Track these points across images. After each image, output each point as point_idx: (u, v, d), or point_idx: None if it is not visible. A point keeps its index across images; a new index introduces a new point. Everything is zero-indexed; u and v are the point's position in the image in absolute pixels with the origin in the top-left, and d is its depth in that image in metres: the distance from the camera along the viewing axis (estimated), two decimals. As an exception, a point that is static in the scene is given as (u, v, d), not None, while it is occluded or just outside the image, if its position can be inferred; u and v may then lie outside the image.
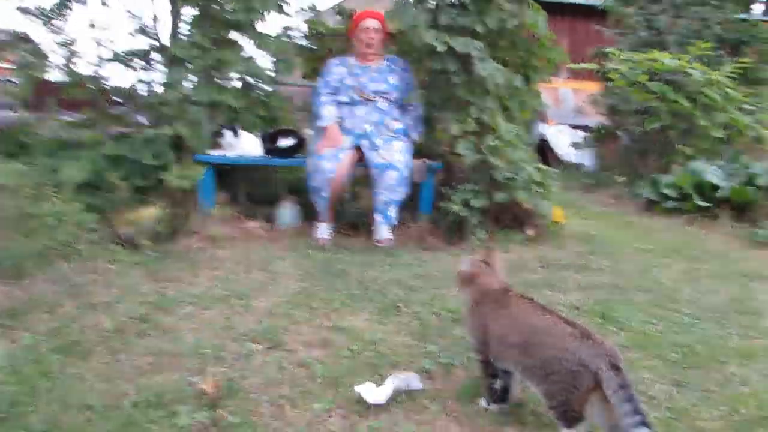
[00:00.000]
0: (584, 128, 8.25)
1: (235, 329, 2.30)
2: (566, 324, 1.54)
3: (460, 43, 3.61)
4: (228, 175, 4.19)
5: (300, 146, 4.05)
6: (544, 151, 8.37)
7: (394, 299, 2.67)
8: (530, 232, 3.81)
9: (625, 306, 2.59)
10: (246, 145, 3.94)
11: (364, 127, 3.77)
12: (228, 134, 3.83)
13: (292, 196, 4.12)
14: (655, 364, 2.01)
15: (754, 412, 1.67)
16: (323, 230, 3.79)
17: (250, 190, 4.37)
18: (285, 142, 4.01)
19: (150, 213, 3.72)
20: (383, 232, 3.71)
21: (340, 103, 3.86)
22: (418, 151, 4.00)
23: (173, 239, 3.57)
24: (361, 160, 3.78)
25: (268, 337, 2.21)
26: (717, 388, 1.84)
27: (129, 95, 4.37)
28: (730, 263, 3.35)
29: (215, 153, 3.91)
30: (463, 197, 3.66)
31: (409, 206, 3.95)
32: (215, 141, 3.97)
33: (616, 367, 1.40)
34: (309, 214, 3.99)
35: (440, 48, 3.58)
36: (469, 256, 1.82)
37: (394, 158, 3.62)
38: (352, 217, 4.15)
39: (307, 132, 4.12)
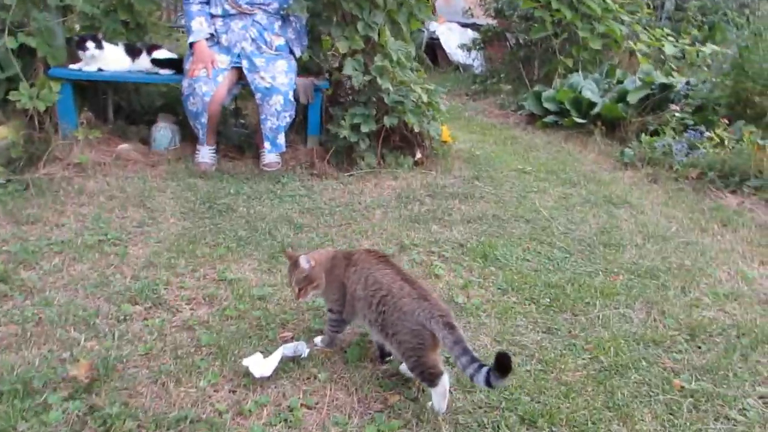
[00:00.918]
0: (474, 27, 8.20)
1: (109, 286, 2.15)
2: (405, 282, 1.62)
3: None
4: (93, 91, 3.76)
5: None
6: (433, 49, 8.28)
7: (283, 242, 2.61)
8: (419, 155, 3.81)
9: (505, 242, 2.72)
10: (110, 58, 3.51)
11: (242, 45, 3.47)
12: (89, 45, 3.37)
13: (168, 114, 3.80)
14: (529, 309, 2.15)
15: (612, 360, 1.86)
16: (204, 155, 3.56)
17: (121, 108, 3.97)
18: (164, 55, 3.61)
19: (3, 133, 3.30)
20: (271, 156, 3.56)
21: (212, 16, 3.50)
22: (303, 69, 3.79)
23: (32, 167, 3.22)
24: (241, 78, 3.51)
25: (147, 295, 2.09)
26: (582, 334, 2.01)
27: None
28: (600, 187, 3.58)
29: (73, 67, 3.45)
30: (352, 121, 3.55)
31: (296, 127, 3.79)
32: (73, 53, 3.49)
33: (449, 326, 1.51)
34: (188, 134, 3.72)
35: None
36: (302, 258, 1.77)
37: (278, 81, 3.39)
38: (236, 137, 3.93)
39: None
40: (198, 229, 2.69)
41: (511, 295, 2.26)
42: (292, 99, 3.46)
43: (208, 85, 3.32)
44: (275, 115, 3.42)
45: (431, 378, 1.56)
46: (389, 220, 2.94)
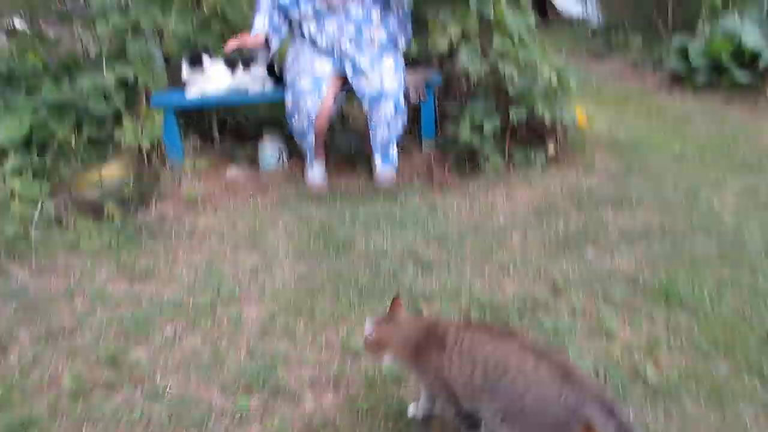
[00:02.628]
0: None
1: (223, 368, 1.90)
2: (538, 358, 1.26)
3: None
4: (197, 114, 3.57)
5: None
6: (542, 4, 7.45)
7: (411, 288, 2.24)
8: (552, 150, 3.27)
9: (688, 270, 2.17)
10: (212, 75, 3.27)
11: (342, 45, 3.08)
12: (205, 58, 3.15)
13: (274, 129, 3.54)
14: (751, 385, 1.62)
15: None
16: (315, 174, 3.27)
17: (226, 124, 3.77)
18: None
19: (112, 171, 3.20)
20: (384, 170, 3.19)
21: (304, 20, 3.12)
22: (409, 61, 3.35)
23: (143, 205, 3.09)
24: (345, 83, 3.15)
25: (264, 380, 1.82)
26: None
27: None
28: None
29: (190, 93, 3.26)
30: (472, 120, 3.08)
31: (408, 129, 3.38)
32: (173, 77, 3.30)
33: (610, 411, 1.17)
34: (297, 149, 3.44)
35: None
36: (368, 319, 1.55)
37: (386, 84, 2.99)
38: (345, 145, 3.59)
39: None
40: (315, 277, 2.39)
41: (719, 359, 1.73)
42: (403, 102, 3.05)
43: (312, 99, 2.99)
44: (386, 125, 3.04)
45: None
46: (531, 247, 2.48)
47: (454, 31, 3.03)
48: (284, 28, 3.21)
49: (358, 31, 3.08)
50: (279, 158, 3.47)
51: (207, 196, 3.16)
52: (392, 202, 3.04)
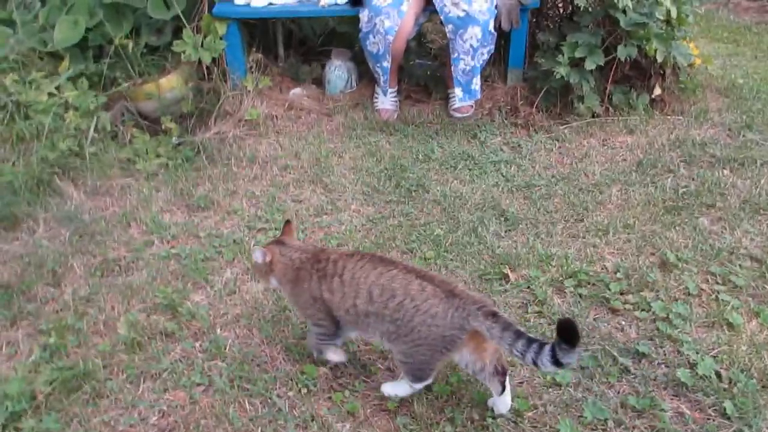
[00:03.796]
0: None
1: (287, 329, 1.72)
2: (422, 280, 1.35)
3: None
4: (261, 26, 3.27)
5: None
6: None
7: (492, 249, 1.99)
8: (657, 90, 2.86)
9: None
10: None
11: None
12: None
13: (343, 50, 3.21)
14: None
15: None
16: (385, 100, 2.97)
17: (293, 38, 3.46)
18: None
19: (171, 83, 2.97)
20: (463, 104, 2.86)
21: None
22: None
23: (202, 123, 2.88)
24: (428, 4, 2.77)
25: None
26: None
27: None
28: None
29: (239, 1, 2.96)
30: (572, 54, 2.69)
31: (492, 57, 3.00)
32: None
33: (492, 315, 1.28)
34: (367, 72, 3.13)
35: None
36: (257, 246, 1.58)
37: (475, 8, 2.60)
38: (420, 72, 3.25)
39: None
40: (385, 224, 2.16)
41: None
42: (493, 29, 2.67)
43: (391, 19, 2.64)
44: (470, 53, 2.68)
45: (424, 377, 1.38)
46: (633, 208, 2.17)
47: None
48: None
49: (451, -53, 2.68)
50: (348, 80, 3.17)
51: (269, 118, 2.93)
52: (470, 139, 2.75)
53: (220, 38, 2.86)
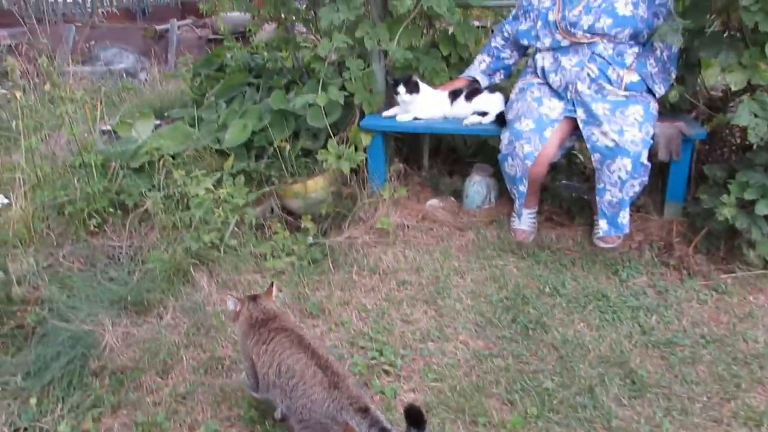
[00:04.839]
0: None
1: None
2: (318, 368, 1.51)
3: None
4: (409, 137, 3.37)
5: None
6: None
7: (609, 419, 1.72)
8: None
9: None
10: (426, 103, 3.02)
11: (577, 87, 2.58)
12: (400, 90, 2.94)
13: (485, 166, 3.17)
14: None
15: None
16: (522, 221, 2.83)
17: (440, 150, 3.51)
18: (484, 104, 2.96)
19: (317, 185, 3.14)
20: (607, 236, 2.61)
21: (539, 51, 2.70)
22: (666, 107, 2.69)
23: (337, 226, 2.97)
24: (577, 129, 2.64)
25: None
26: None
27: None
28: None
29: (387, 114, 3.09)
30: (740, 194, 2.35)
31: (648, 186, 2.73)
32: (391, 97, 3.11)
33: (362, 410, 1.41)
34: (507, 188, 3.03)
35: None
36: (231, 296, 1.77)
37: (626, 137, 2.41)
38: (565, 194, 3.07)
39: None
40: (492, 364, 1.99)
41: None
42: (646, 161, 2.44)
43: (531, 144, 2.54)
44: (617, 185, 2.46)
45: None
46: (803, 397, 1.75)
47: (735, 78, 2.32)
48: (503, 71, 2.97)
49: (602, 71, 2.56)
50: (486, 196, 3.10)
51: (400, 227, 2.93)
52: (610, 275, 2.49)
53: (364, 149, 2.98)
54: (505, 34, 2.88)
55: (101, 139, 3.38)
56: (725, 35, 2.49)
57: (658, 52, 2.54)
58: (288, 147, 3.20)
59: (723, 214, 2.34)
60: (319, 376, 1.49)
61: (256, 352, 1.62)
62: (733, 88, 2.38)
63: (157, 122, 3.71)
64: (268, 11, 3.65)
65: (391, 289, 2.48)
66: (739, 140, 2.78)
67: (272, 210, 3.15)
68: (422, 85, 2.97)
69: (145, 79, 6.34)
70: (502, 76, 3.01)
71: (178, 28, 7.76)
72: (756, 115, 2.31)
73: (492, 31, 3.05)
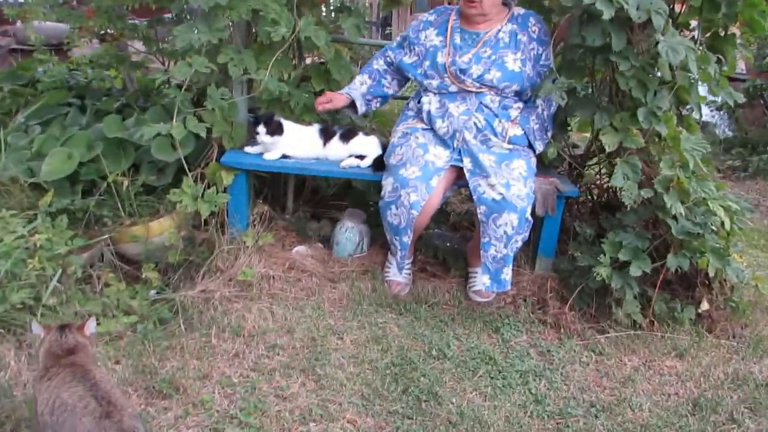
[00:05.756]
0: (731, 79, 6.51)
1: None
2: (93, 398, 1.37)
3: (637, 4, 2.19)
4: (273, 176, 3.04)
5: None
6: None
7: None
8: (705, 305, 2.53)
9: None
10: (295, 142, 2.73)
11: (464, 136, 2.49)
12: (260, 130, 2.62)
13: (357, 211, 2.95)
14: None
15: None
16: (397, 272, 2.64)
17: (301, 191, 3.22)
18: (361, 148, 2.74)
19: (162, 226, 2.67)
20: (484, 285, 2.51)
21: (426, 92, 2.59)
22: (542, 164, 2.71)
23: (189, 277, 2.53)
24: (459, 178, 2.53)
25: None
26: None
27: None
28: None
29: (251, 150, 2.74)
30: (614, 254, 2.40)
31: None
32: (252, 133, 2.77)
33: None
34: (380, 236, 2.84)
35: (607, 14, 2.17)
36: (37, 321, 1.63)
37: (513, 192, 2.35)
38: (439, 242, 2.96)
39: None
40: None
41: None
42: (529, 216, 2.40)
43: (418, 193, 2.37)
44: (503, 241, 2.38)
45: None
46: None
47: (609, 140, 2.38)
48: (380, 99, 2.80)
49: (489, 123, 2.49)
50: (359, 244, 2.87)
51: (265, 279, 2.58)
52: (492, 333, 2.39)
53: (225, 189, 2.60)
54: (388, 59, 2.72)
55: None
56: (596, 97, 2.58)
57: (539, 110, 2.54)
58: (126, 182, 2.70)
59: (600, 273, 2.36)
60: (92, 407, 1.35)
61: (39, 390, 1.44)
62: (607, 150, 2.45)
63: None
64: (100, 24, 3.13)
65: (260, 356, 2.12)
66: (600, 198, 2.89)
67: (102, 257, 2.61)
68: (287, 125, 2.69)
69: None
70: (378, 105, 2.83)
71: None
72: (627, 178, 2.38)
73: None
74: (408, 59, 2.64)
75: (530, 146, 2.56)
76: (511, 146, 2.50)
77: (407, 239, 2.46)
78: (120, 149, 2.80)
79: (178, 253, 2.55)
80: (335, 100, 2.66)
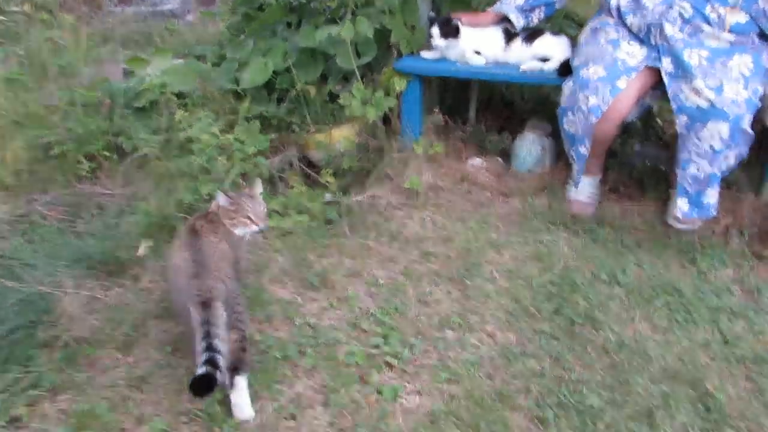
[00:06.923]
0: None
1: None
2: (192, 261, 1.49)
3: None
4: (455, 83, 2.89)
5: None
6: None
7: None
8: None
9: None
10: (470, 42, 2.53)
11: (666, 30, 2.02)
12: (434, 32, 2.46)
13: (541, 122, 2.67)
14: None
15: None
16: (581, 190, 2.35)
17: (484, 109, 3.02)
18: (547, 49, 2.43)
19: (342, 133, 2.74)
20: (686, 218, 2.09)
21: None
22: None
23: (361, 183, 2.58)
24: (662, 82, 2.09)
25: None
26: None
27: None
28: None
29: (426, 55, 2.62)
30: None
31: (747, 159, 2.18)
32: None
33: (204, 304, 1.39)
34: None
35: None
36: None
37: (727, 96, 1.85)
38: (638, 163, 2.56)
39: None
40: (521, 364, 1.58)
41: None
42: (748, 128, 1.89)
43: (599, 96, 2.03)
44: (707, 157, 1.93)
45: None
46: None
47: None
48: (544, 8, 2.44)
49: (698, 10, 1.99)
50: (540, 158, 2.62)
51: (433, 189, 2.51)
52: (686, 264, 2.00)
53: (397, 95, 2.55)
54: None
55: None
56: None
57: (773, -17, 1.95)
58: (314, 91, 2.80)
59: None
60: (190, 267, 1.47)
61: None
62: None
63: (178, 60, 3.36)
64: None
65: (412, 261, 2.08)
66: None
67: (291, 163, 2.78)
68: (465, 28, 2.47)
69: (192, 21, 6.04)
70: (542, 16, 2.45)
71: (231, -32, 7.38)
72: None
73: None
74: None
75: (763, 36, 1.99)
76: (732, 37, 1.97)
77: (584, 150, 2.14)
78: (311, 59, 2.90)
79: (351, 158, 2.60)
80: (480, 19, 2.39)
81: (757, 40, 2.01)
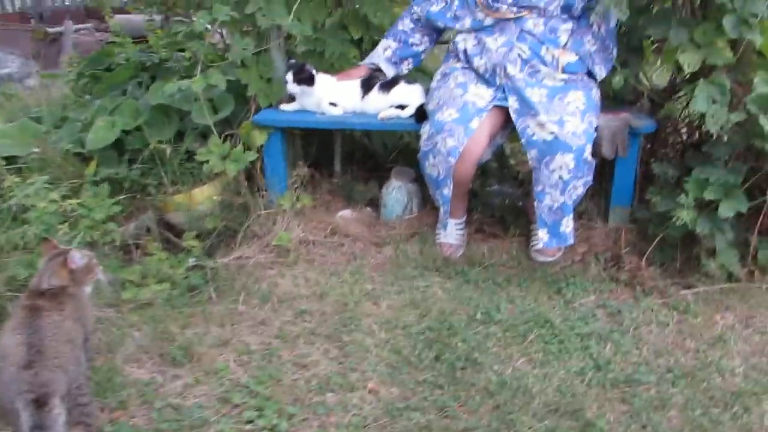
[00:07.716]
0: None
1: None
2: (26, 346, 1.29)
3: None
4: (317, 137, 2.86)
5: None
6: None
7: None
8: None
9: None
10: (326, 93, 2.51)
11: (509, 71, 2.15)
12: (288, 78, 2.42)
13: (405, 169, 2.71)
14: None
15: None
16: (448, 233, 2.38)
17: (349, 160, 3.01)
18: (404, 98, 2.47)
19: (204, 193, 2.59)
20: (548, 248, 2.19)
21: (459, 33, 2.29)
22: (609, 97, 2.31)
23: (227, 245, 2.42)
24: (509, 121, 2.20)
25: None
26: None
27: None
28: None
29: (285, 107, 2.57)
30: (699, 194, 1.98)
31: (590, 190, 2.33)
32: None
33: (38, 403, 1.21)
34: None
35: None
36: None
37: (568, 130, 2.00)
38: (497, 201, 2.65)
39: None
40: (407, 419, 1.51)
41: None
42: (590, 157, 2.04)
43: (455, 138, 2.09)
44: (558, 187, 2.04)
45: None
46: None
47: (688, 58, 1.96)
48: (412, 59, 2.52)
49: (535, 52, 2.15)
50: (407, 205, 2.63)
51: (304, 244, 2.41)
52: (553, 294, 2.07)
53: (258, 149, 2.46)
54: (414, 16, 2.44)
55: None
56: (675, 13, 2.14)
57: (595, 28, 2.16)
58: (169, 150, 2.63)
59: (680, 218, 1.95)
60: (22, 353, 1.28)
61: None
62: (687, 70, 2.03)
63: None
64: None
65: (286, 323, 1.95)
66: (686, 136, 2.44)
67: (148, 228, 2.57)
68: (321, 76, 2.47)
69: (33, 85, 5.59)
70: (411, 66, 2.56)
71: (77, 31, 6.99)
72: (714, 101, 1.95)
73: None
74: (435, 7, 2.35)
75: (590, 74, 2.19)
76: (565, 76, 2.14)
77: (448, 192, 2.18)
78: (164, 116, 2.75)
79: (214, 218, 2.45)
80: (352, 74, 2.45)
81: (586, 77, 2.19)
